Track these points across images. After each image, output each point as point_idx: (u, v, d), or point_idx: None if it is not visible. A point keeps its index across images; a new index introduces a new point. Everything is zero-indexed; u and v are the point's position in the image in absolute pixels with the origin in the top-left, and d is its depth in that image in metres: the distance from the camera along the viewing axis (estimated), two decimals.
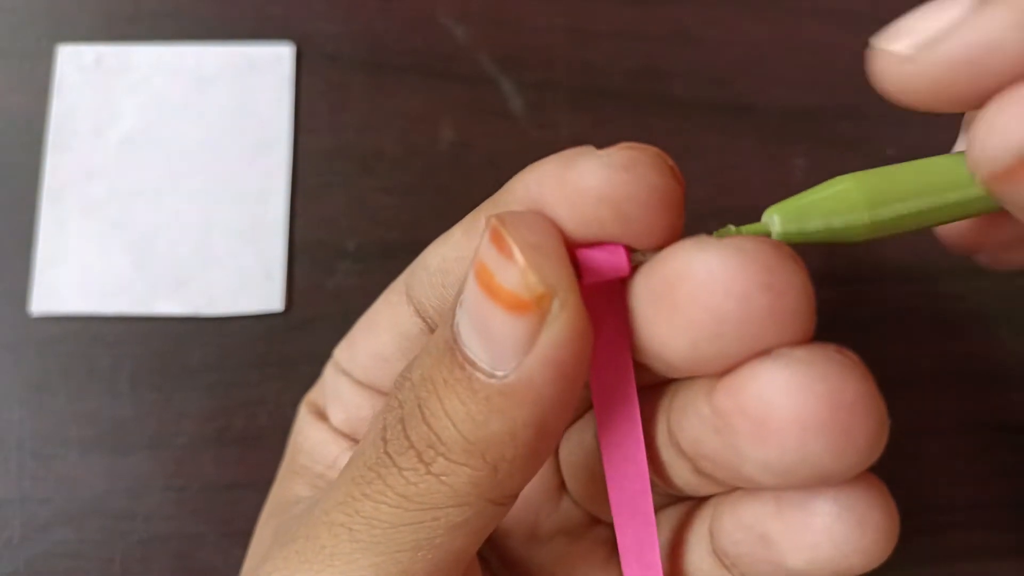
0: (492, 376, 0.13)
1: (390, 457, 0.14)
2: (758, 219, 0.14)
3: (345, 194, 0.28)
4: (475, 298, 0.13)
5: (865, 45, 0.14)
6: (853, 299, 0.28)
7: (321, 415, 0.19)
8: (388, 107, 0.29)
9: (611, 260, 0.13)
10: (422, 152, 0.29)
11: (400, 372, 0.15)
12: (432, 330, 0.17)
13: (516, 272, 0.12)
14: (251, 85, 0.29)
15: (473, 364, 0.13)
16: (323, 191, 0.28)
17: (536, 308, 0.12)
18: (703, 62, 0.30)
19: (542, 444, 0.13)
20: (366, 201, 0.28)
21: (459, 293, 0.13)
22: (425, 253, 0.16)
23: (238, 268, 0.28)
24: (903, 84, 0.13)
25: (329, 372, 0.19)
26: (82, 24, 0.30)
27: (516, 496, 0.14)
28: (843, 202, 0.14)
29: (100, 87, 0.29)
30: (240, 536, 0.19)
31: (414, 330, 0.17)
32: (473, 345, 0.13)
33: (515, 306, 0.12)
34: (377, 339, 0.18)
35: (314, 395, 0.20)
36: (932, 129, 0.30)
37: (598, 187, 0.13)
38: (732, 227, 0.14)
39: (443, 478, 0.13)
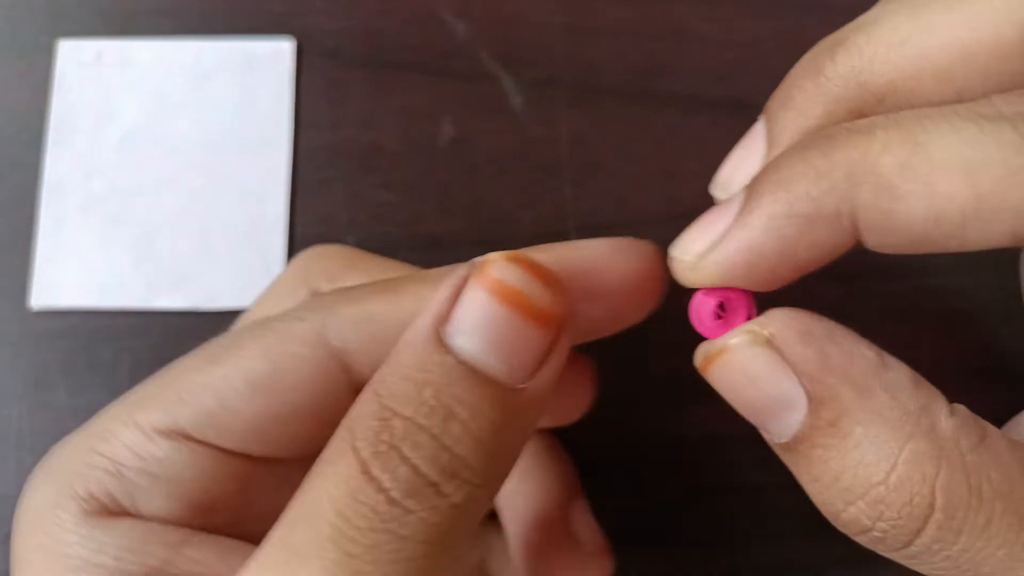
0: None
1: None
2: None
3: (345, 190, 0.28)
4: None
5: None
6: (853, 295, 0.28)
7: None
8: (388, 103, 0.29)
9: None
10: (422, 148, 0.29)
11: None
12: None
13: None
14: (251, 81, 0.29)
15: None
16: (323, 187, 0.28)
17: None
18: (703, 59, 0.30)
19: None
20: (366, 197, 0.28)
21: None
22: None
23: (238, 264, 0.28)
24: (692, 282, 0.16)
25: None
26: (82, 19, 0.30)
27: None
28: None
29: (100, 82, 0.29)
30: None
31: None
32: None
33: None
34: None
35: None
36: None
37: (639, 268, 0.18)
38: None
39: None
